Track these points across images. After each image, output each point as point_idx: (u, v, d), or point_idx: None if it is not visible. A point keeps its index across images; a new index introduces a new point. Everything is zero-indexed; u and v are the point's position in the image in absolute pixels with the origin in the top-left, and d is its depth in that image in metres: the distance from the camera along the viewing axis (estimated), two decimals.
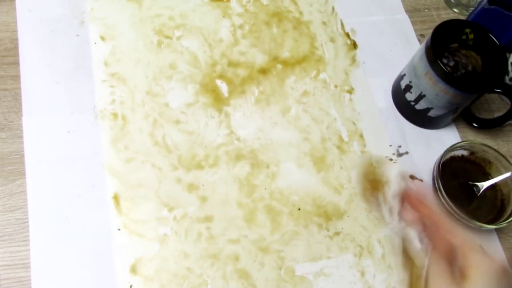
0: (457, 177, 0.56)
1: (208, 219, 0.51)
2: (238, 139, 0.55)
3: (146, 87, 0.56)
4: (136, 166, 0.52)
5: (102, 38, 0.58)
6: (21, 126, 0.52)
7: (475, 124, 0.61)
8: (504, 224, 0.52)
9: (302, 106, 0.59)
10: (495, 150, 0.55)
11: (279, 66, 0.61)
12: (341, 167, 0.56)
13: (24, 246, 0.46)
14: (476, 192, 0.55)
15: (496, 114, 0.63)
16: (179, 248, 0.49)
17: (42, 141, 0.52)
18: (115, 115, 0.54)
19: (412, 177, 0.58)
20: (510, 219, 0.52)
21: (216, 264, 0.49)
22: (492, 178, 0.56)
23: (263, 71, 0.60)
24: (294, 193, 0.54)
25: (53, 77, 0.55)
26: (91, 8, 0.60)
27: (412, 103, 0.58)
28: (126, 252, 0.48)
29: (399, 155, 0.59)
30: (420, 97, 0.57)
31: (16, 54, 0.56)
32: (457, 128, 0.62)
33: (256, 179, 0.54)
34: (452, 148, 0.55)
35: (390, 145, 0.59)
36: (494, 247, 0.55)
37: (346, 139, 0.58)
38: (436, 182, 0.54)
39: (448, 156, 0.55)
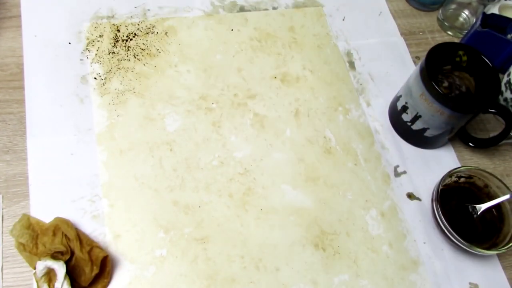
0: (455, 200, 0.57)
1: (204, 240, 0.51)
2: (234, 160, 0.56)
3: (144, 112, 0.58)
4: (134, 188, 0.53)
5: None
6: (26, 149, 0.53)
7: (471, 144, 0.62)
8: (503, 250, 0.52)
9: (297, 127, 0.60)
10: (492, 174, 0.56)
11: (275, 88, 0.62)
12: (337, 187, 0.57)
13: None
14: (474, 215, 0.56)
15: (492, 134, 0.64)
16: (175, 270, 0.49)
17: (45, 163, 0.53)
18: (112, 138, 0.55)
19: (410, 196, 0.58)
20: (510, 245, 0.52)
21: (212, 286, 0.49)
22: (490, 201, 0.56)
23: (258, 95, 0.61)
24: (290, 213, 0.54)
25: (57, 100, 0.57)
26: (89, 34, 0.62)
27: (409, 124, 0.60)
28: (123, 273, 0.49)
29: (397, 174, 0.59)
30: (416, 117, 0.58)
31: (21, 79, 0.57)
32: (453, 147, 0.63)
33: (252, 200, 0.54)
34: (451, 173, 0.55)
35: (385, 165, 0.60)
36: (494, 266, 0.55)
37: (341, 159, 0.59)
38: (434, 205, 0.54)
39: (446, 181, 0.56)
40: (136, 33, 0.63)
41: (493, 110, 0.56)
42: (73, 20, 0.63)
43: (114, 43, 0.61)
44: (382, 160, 0.60)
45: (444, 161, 0.61)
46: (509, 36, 0.65)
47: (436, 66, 0.58)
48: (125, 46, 0.62)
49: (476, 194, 0.57)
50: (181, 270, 0.49)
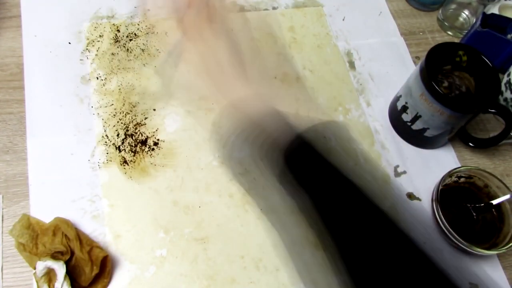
0: (455, 201, 0.57)
1: (204, 240, 0.51)
2: (234, 161, 0.56)
3: (143, 116, 0.58)
4: (133, 188, 0.53)
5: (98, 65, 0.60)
6: (26, 149, 0.53)
7: (471, 144, 0.62)
8: (503, 250, 0.52)
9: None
10: (492, 174, 0.56)
11: (275, 88, 0.62)
12: None
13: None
14: (475, 215, 0.56)
15: (492, 134, 0.64)
16: (176, 270, 0.49)
17: (45, 163, 0.53)
18: (111, 139, 0.55)
19: (410, 196, 0.58)
20: (510, 245, 0.52)
21: (212, 286, 0.49)
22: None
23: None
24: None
25: (57, 100, 0.57)
26: (89, 34, 0.62)
27: (409, 124, 0.59)
28: (123, 273, 0.49)
29: (397, 174, 0.59)
30: (416, 117, 0.58)
31: (21, 79, 0.57)
32: (453, 147, 0.63)
33: (253, 200, 0.54)
34: (451, 173, 0.55)
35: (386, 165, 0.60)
36: (494, 266, 0.55)
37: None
38: (434, 205, 0.54)
39: (446, 181, 0.56)
40: (136, 33, 0.63)
41: (493, 110, 0.56)
42: (73, 20, 0.63)
43: (114, 43, 0.61)
44: (382, 160, 0.60)
45: (444, 161, 0.61)
46: (509, 36, 0.65)
47: (436, 66, 0.58)
48: (125, 46, 0.62)
49: (476, 194, 0.57)
50: (181, 270, 0.49)
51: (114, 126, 0.56)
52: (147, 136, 0.56)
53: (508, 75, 0.63)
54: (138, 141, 0.55)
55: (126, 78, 0.59)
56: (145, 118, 0.57)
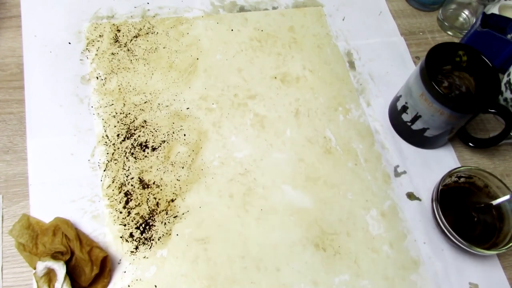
0: (455, 201, 0.57)
1: (205, 241, 0.51)
2: (234, 161, 0.56)
3: (143, 116, 0.58)
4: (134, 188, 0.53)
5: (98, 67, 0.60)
6: (26, 149, 0.53)
7: (471, 144, 0.62)
8: (503, 250, 0.52)
9: (297, 127, 0.60)
10: (492, 174, 0.56)
11: (275, 88, 0.62)
12: (337, 187, 0.57)
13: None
14: (475, 216, 0.56)
15: (492, 134, 0.64)
16: (176, 270, 0.49)
17: (45, 163, 0.53)
18: (112, 139, 0.55)
19: (410, 196, 0.58)
20: (510, 245, 0.52)
21: (213, 286, 0.49)
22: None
23: (258, 95, 0.61)
24: (290, 213, 0.54)
25: (57, 100, 0.57)
26: (89, 34, 0.62)
27: (409, 124, 0.59)
28: (123, 274, 0.49)
29: (397, 174, 0.59)
30: (416, 117, 0.58)
31: (21, 79, 0.57)
32: (453, 147, 0.63)
33: (253, 200, 0.54)
34: (451, 173, 0.55)
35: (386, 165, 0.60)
36: (494, 266, 0.55)
37: (341, 159, 0.59)
38: (434, 205, 0.54)
39: (446, 181, 0.56)
40: (136, 33, 0.63)
41: (493, 110, 0.56)
42: (73, 20, 0.63)
43: (114, 43, 0.61)
44: (382, 160, 0.60)
45: (444, 161, 0.61)
46: (509, 36, 0.65)
47: (436, 66, 0.58)
48: (125, 46, 0.62)
49: (476, 194, 0.57)
50: (181, 270, 0.49)
51: (114, 126, 0.56)
52: (147, 137, 0.56)
53: (508, 75, 0.63)
54: (138, 142, 0.55)
55: (126, 78, 0.59)
56: (146, 120, 0.57)
